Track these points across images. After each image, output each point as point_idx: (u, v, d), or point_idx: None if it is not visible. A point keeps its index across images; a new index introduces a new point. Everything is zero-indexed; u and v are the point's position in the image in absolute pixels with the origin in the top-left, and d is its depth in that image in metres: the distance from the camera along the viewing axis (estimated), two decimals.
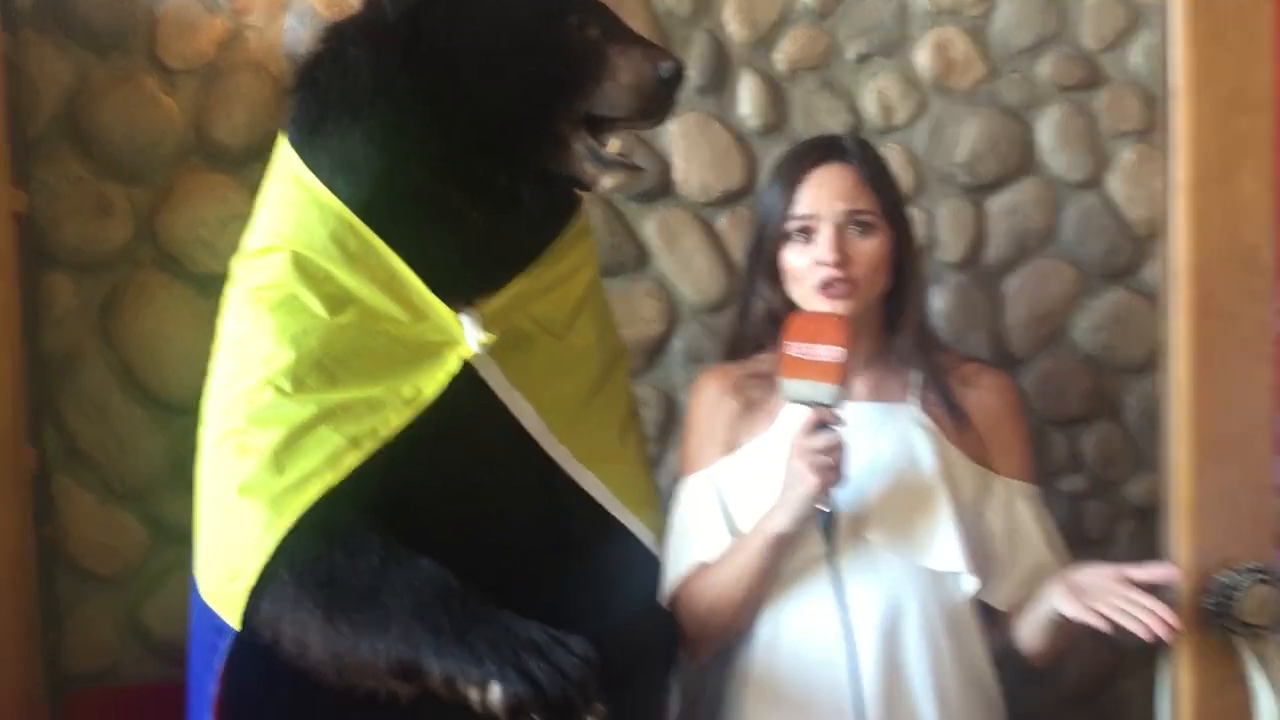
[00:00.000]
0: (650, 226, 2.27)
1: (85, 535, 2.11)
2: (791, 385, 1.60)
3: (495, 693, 1.31)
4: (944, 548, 1.66)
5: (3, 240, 1.98)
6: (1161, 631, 1.45)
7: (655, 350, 2.28)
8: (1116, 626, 1.51)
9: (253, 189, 2.10)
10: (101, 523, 2.12)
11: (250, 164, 2.12)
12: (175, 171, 2.12)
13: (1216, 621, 1.43)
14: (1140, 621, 1.47)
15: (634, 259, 2.27)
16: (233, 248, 2.10)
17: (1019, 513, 1.74)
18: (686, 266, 2.28)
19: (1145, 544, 2.44)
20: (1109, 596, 1.53)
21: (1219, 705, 1.45)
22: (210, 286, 2.11)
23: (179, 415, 2.12)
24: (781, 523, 1.59)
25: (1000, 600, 1.71)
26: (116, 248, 2.11)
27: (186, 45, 2.11)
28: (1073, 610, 1.56)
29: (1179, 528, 1.45)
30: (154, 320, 2.12)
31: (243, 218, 2.09)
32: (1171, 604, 1.46)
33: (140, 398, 2.13)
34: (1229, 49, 1.40)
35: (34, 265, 2.07)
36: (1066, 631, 1.65)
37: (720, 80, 2.27)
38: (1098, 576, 1.58)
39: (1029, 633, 1.70)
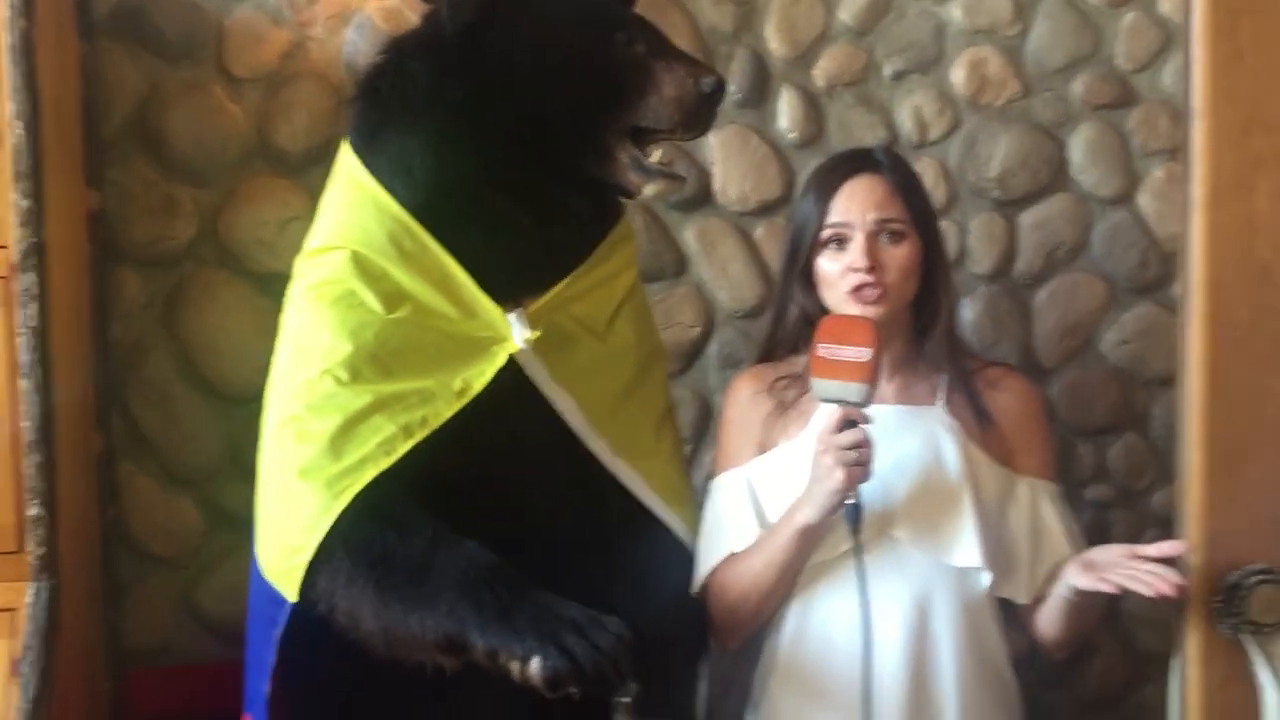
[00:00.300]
0: (689, 234, 2.35)
1: (146, 518, 2.22)
2: (821, 384, 1.68)
3: (535, 666, 1.39)
4: (965, 545, 1.72)
5: (77, 237, 2.08)
6: (1167, 590, 1.51)
7: (692, 353, 2.36)
8: (1126, 592, 1.58)
9: (312, 193, 2.22)
10: (161, 506, 2.22)
11: (310, 169, 2.23)
12: (238, 175, 2.22)
13: (1225, 620, 1.48)
14: (1147, 584, 1.53)
15: (673, 265, 2.35)
16: (291, 248, 2.20)
17: (1041, 511, 1.80)
18: (723, 273, 2.36)
19: None
20: (1119, 567, 1.59)
21: (1226, 699, 1.50)
22: (269, 284, 2.22)
23: (237, 406, 2.22)
24: (809, 515, 1.66)
25: (1023, 594, 1.77)
26: (182, 246, 2.21)
27: (252, 55, 2.21)
28: (1085, 581, 1.63)
29: (1192, 530, 1.50)
30: (215, 315, 2.22)
31: (301, 219, 2.21)
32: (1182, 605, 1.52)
33: (201, 388, 2.23)
34: (1248, 72, 1.46)
35: (104, 261, 2.17)
36: (1080, 610, 1.71)
37: (760, 94, 2.35)
38: (1110, 552, 1.65)
39: (1047, 618, 1.75)
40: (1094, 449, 2.49)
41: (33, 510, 1.81)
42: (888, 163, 1.84)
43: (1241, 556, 1.50)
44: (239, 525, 2.21)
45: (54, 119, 1.90)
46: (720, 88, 1.62)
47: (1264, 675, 1.48)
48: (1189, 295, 1.51)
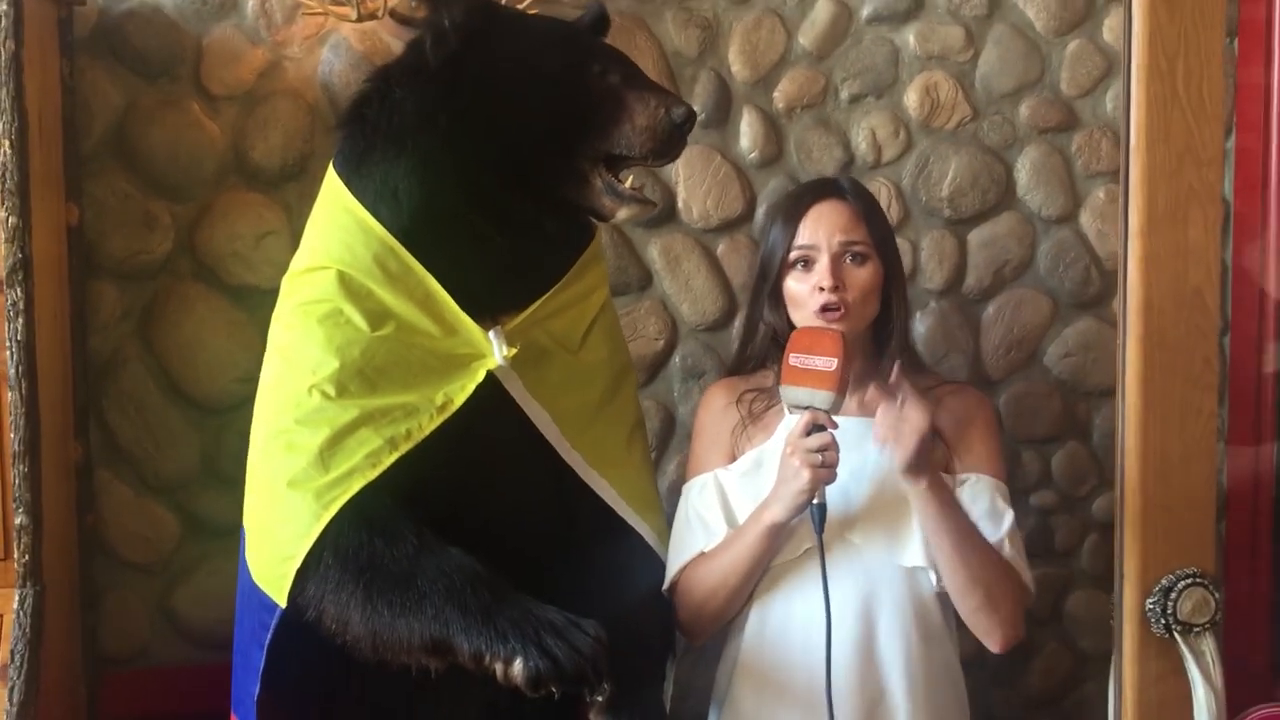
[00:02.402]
0: (654, 250, 2.44)
1: (123, 525, 2.27)
2: (791, 391, 1.78)
3: (518, 667, 1.46)
4: (913, 547, 1.82)
5: (56, 250, 2.12)
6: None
7: (657, 365, 2.44)
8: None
9: (287, 208, 2.29)
10: (138, 514, 2.27)
11: (284, 184, 2.30)
12: (215, 190, 2.28)
13: (1158, 620, 1.59)
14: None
15: (638, 280, 2.43)
16: (266, 262, 2.28)
17: (979, 503, 1.87)
18: (687, 288, 2.45)
19: (1106, 556, 2.61)
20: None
21: (1159, 695, 1.60)
22: (244, 297, 2.28)
23: (212, 416, 2.29)
24: (777, 513, 1.76)
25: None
26: (159, 259, 2.26)
27: (229, 74, 2.27)
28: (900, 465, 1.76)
29: (1129, 537, 1.60)
30: (191, 327, 2.27)
31: (276, 234, 2.28)
32: (1121, 605, 1.63)
33: (177, 399, 2.28)
34: (1181, 111, 1.57)
35: (82, 274, 2.21)
36: (933, 519, 1.79)
37: (722, 116, 2.44)
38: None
39: (942, 572, 1.82)
40: (1038, 457, 2.60)
41: (19, 519, 1.86)
42: (852, 190, 1.94)
43: (1173, 561, 1.61)
44: (214, 532, 2.29)
45: (37, 136, 1.95)
46: (690, 117, 1.70)
47: (1194, 672, 1.58)
48: (1126, 317, 1.61)
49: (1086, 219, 2.58)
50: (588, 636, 1.48)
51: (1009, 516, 1.89)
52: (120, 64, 2.23)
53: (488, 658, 1.48)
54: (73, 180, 2.18)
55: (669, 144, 1.72)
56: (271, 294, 2.24)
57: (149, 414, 2.27)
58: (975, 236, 2.55)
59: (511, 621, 1.49)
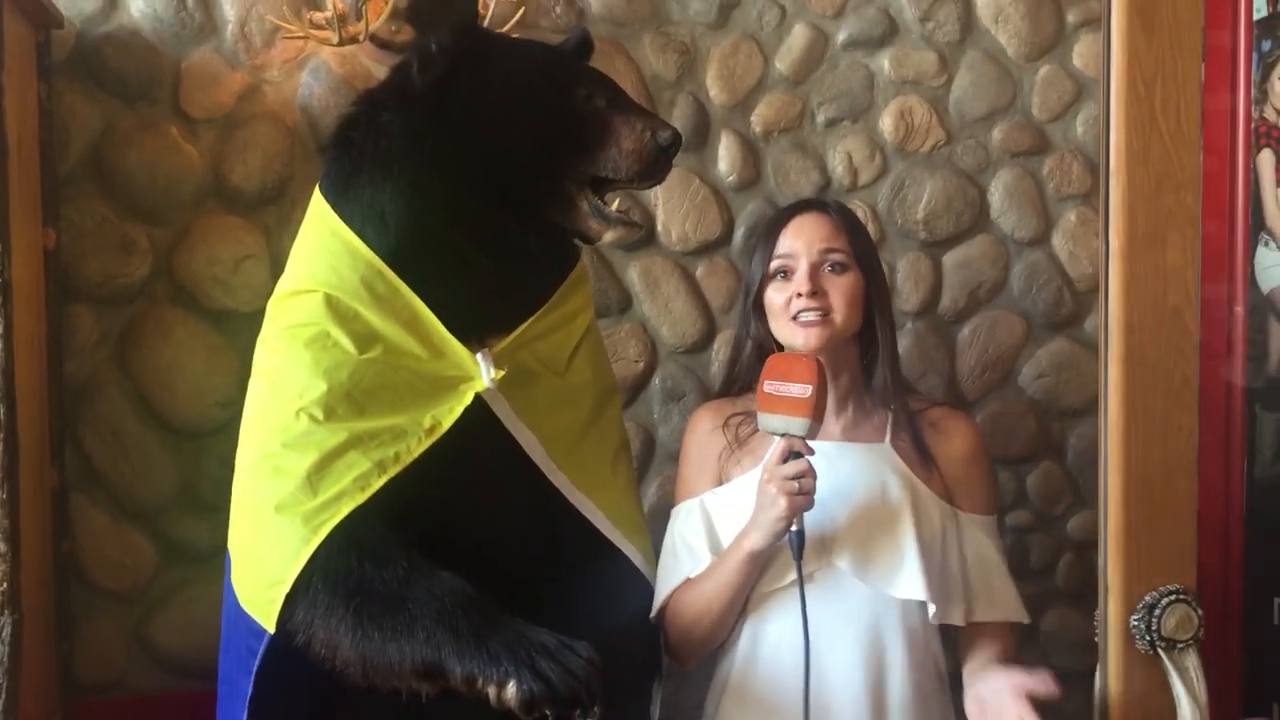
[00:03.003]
0: (634, 273, 2.45)
1: (99, 552, 2.24)
2: (767, 419, 1.78)
3: (511, 690, 1.46)
4: (908, 578, 1.81)
5: (32, 274, 2.10)
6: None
7: (637, 387, 2.45)
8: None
9: (265, 231, 2.29)
10: (114, 540, 2.25)
11: (263, 208, 2.29)
12: (193, 213, 2.27)
13: (1142, 636, 1.61)
14: None
15: (618, 302, 2.44)
16: (245, 286, 2.27)
17: (981, 544, 1.91)
18: (666, 310, 2.46)
19: (1082, 574, 2.65)
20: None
21: (1144, 711, 1.62)
22: (223, 321, 2.27)
23: (190, 441, 2.27)
24: (755, 541, 1.76)
25: (959, 618, 1.88)
26: (136, 283, 2.24)
27: (208, 97, 2.26)
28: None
29: (1113, 554, 1.63)
30: (169, 352, 2.25)
31: (255, 258, 2.27)
32: (1105, 621, 1.65)
33: (153, 424, 2.26)
34: (1160, 135, 1.60)
35: (58, 298, 2.19)
36: None
37: (701, 140, 2.46)
38: (999, 694, 1.76)
39: (966, 669, 1.90)
40: (1014, 476, 2.63)
41: None
42: (832, 205, 1.97)
43: (1156, 578, 1.63)
44: (192, 559, 2.27)
45: (16, 159, 1.93)
46: (676, 141, 1.72)
47: (1179, 688, 1.60)
48: (1108, 337, 1.63)
49: (1058, 241, 2.62)
50: (580, 659, 1.48)
51: (998, 554, 1.93)
52: (98, 87, 2.22)
53: (480, 681, 1.47)
54: (49, 204, 2.16)
55: (655, 167, 1.73)
56: (250, 318, 2.25)
57: (126, 439, 2.24)
58: (950, 259, 2.58)
59: (504, 644, 1.48)
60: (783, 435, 1.76)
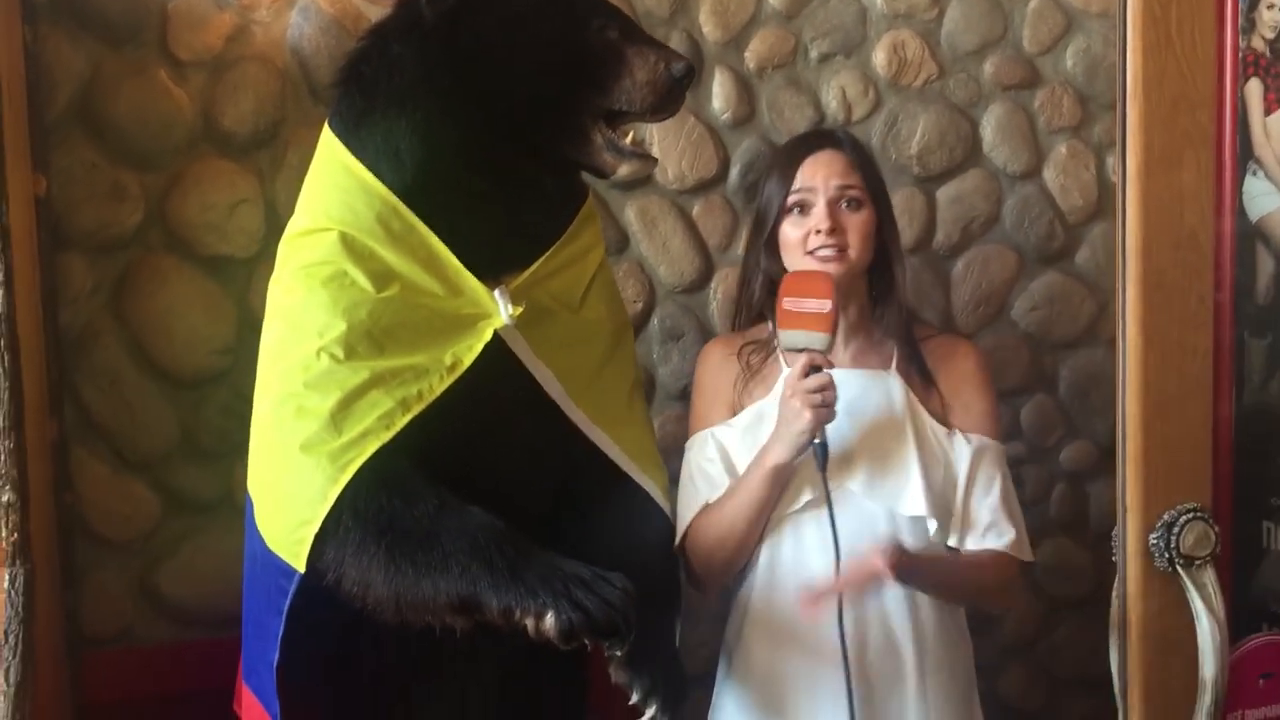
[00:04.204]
0: (630, 212, 2.44)
1: (101, 503, 2.21)
2: (787, 335, 1.80)
3: (550, 621, 1.46)
4: (912, 495, 1.85)
5: (24, 223, 2.05)
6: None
7: (636, 327, 2.43)
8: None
9: (259, 175, 2.25)
10: (116, 492, 2.21)
11: (256, 151, 2.25)
12: (185, 158, 2.22)
13: (1161, 554, 1.64)
14: None
15: (615, 242, 2.43)
16: (240, 231, 2.24)
17: (975, 464, 1.91)
18: (664, 249, 2.45)
19: (1075, 504, 2.69)
20: None
21: (1162, 627, 1.66)
22: (218, 268, 2.24)
23: (189, 390, 2.24)
24: (780, 454, 1.78)
25: (955, 539, 1.90)
26: (129, 231, 2.20)
27: (196, 39, 2.21)
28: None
29: (1131, 474, 1.65)
30: (165, 300, 2.22)
31: (249, 202, 2.24)
32: (1124, 541, 1.67)
33: (151, 373, 2.23)
34: (1174, 55, 1.61)
35: (51, 247, 2.15)
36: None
37: (695, 77, 2.43)
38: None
39: None
40: (1008, 409, 2.64)
41: (6, 496, 1.82)
42: (846, 140, 1.97)
43: (1174, 496, 1.66)
44: (195, 508, 2.25)
45: (5, 105, 1.89)
46: (690, 72, 1.71)
47: (1198, 604, 1.64)
48: (1125, 259, 1.65)
49: (1050, 174, 2.63)
50: (616, 588, 1.48)
51: (998, 480, 1.93)
52: (84, 30, 2.16)
53: (518, 613, 1.48)
54: (39, 151, 2.11)
55: (669, 98, 1.72)
56: (246, 264, 2.24)
57: (124, 389, 2.21)
58: (944, 194, 2.59)
59: (540, 577, 1.48)
60: (804, 350, 1.77)
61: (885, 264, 1.94)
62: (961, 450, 1.92)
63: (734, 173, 2.47)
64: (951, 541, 1.90)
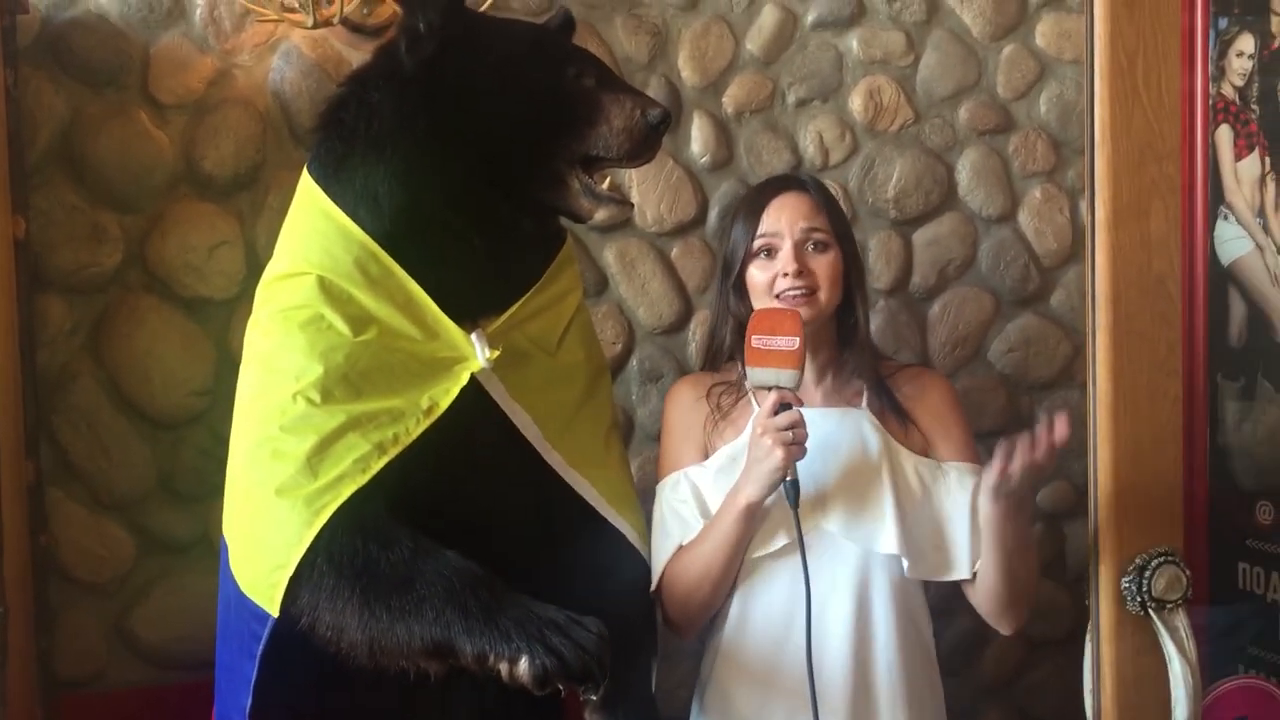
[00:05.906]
0: (609, 255, 2.46)
1: (76, 544, 2.21)
2: (756, 373, 1.81)
3: (524, 666, 1.46)
4: (887, 533, 1.85)
5: (3, 264, 2.06)
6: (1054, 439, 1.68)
7: (615, 369, 2.45)
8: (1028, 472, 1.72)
9: (239, 217, 2.26)
10: (91, 532, 2.22)
11: (236, 194, 2.27)
12: (165, 200, 2.24)
13: (1134, 598, 1.65)
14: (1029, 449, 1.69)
15: (595, 284, 2.44)
16: (219, 273, 2.25)
17: (967, 490, 1.91)
18: (643, 291, 2.47)
19: (1053, 544, 2.70)
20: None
21: (1136, 670, 1.67)
22: (197, 309, 2.25)
23: (166, 431, 2.24)
24: (752, 493, 1.78)
25: (964, 570, 1.88)
26: (108, 272, 2.21)
27: (178, 82, 2.23)
28: (990, 487, 1.76)
29: (1103, 518, 1.67)
30: (143, 340, 2.22)
31: (229, 244, 2.25)
32: (1097, 584, 1.69)
33: (129, 414, 2.23)
34: (1141, 106, 1.64)
35: (29, 288, 2.15)
36: (1007, 550, 1.81)
37: (674, 121, 2.46)
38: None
39: (985, 582, 1.86)
40: (985, 451, 2.63)
41: None
42: (811, 183, 2.00)
43: (1146, 540, 1.67)
44: (171, 550, 2.25)
45: None
46: (666, 119, 1.73)
47: (1170, 647, 1.65)
48: (1094, 307, 1.67)
49: (1024, 218, 2.66)
50: (590, 633, 1.48)
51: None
52: (65, 73, 2.18)
53: (492, 658, 1.47)
54: (18, 193, 2.12)
55: (645, 145, 1.74)
56: (225, 305, 2.25)
57: (101, 430, 2.21)
58: (920, 236, 2.61)
59: (514, 621, 1.48)
60: (773, 387, 1.78)
61: (850, 305, 1.96)
62: (961, 481, 1.91)
63: (713, 215, 2.49)
64: (956, 572, 1.88)
